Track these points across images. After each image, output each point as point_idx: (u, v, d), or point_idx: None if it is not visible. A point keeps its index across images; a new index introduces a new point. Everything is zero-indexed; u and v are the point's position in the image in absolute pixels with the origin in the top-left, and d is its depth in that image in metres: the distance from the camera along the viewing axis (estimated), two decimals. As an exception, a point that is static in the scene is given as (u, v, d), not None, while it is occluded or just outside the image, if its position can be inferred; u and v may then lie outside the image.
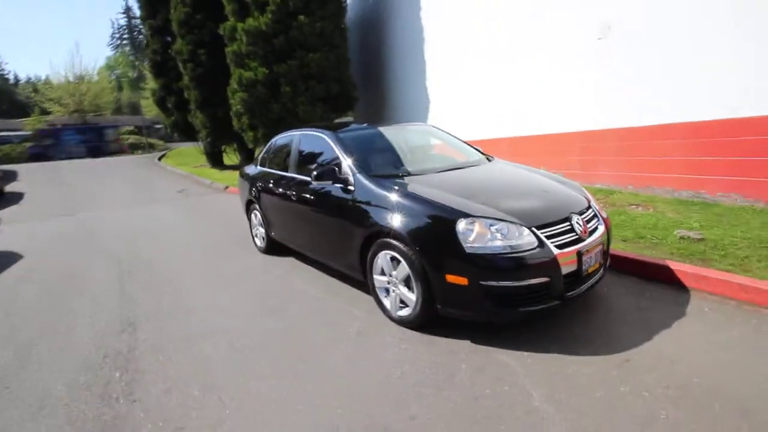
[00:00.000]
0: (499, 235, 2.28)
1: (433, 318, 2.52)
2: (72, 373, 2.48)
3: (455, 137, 4.03)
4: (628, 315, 2.59)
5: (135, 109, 38.86)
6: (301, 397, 2.06)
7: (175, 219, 7.35)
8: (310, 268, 4.05)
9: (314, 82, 11.33)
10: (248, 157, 19.15)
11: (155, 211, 8.33)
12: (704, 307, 2.59)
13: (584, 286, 2.43)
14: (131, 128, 32.94)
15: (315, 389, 2.11)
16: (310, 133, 3.84)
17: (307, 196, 3.54)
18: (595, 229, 2.61)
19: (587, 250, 2.42)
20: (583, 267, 2.39)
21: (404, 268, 2.56)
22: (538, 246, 2.28)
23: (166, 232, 6.36)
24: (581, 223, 2.50)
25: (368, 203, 2.87)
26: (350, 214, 3.00)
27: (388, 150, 3.53)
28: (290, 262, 4.34)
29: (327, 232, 3.34)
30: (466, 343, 2.41)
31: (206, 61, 13.50)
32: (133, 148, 28.70)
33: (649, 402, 1.82)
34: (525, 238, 2.28)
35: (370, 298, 3.10)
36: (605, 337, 2.36)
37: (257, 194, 4.58)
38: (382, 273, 2.80)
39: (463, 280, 2.27)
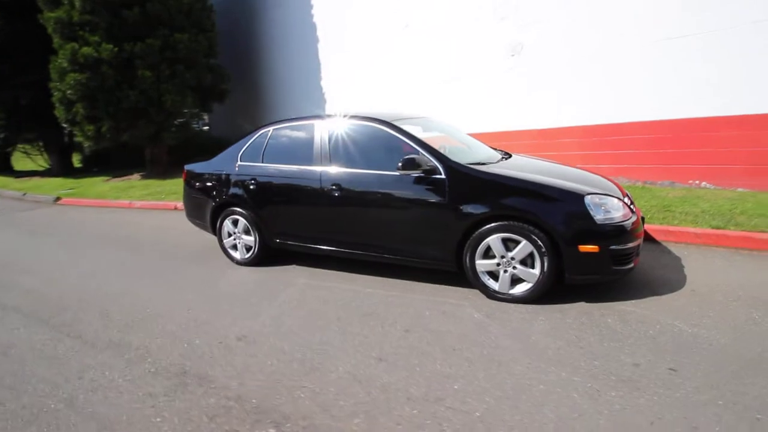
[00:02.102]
0: (611, 208, 2.73)
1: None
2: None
3: (456, 129, 4.31)
4: (653, 264, 3.43)
5: None
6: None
7: (33, 246, 5.26)
8: (331, 272, 3.69)
9: (182, 67, 9.66)
10: (64, 159, 14.76)
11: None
12: (683, 251, 3.68)
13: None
14: None
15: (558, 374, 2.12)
16: (350, 123, 3.46)
17: (365, 190, 3.25)
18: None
19: (638, 219, 3.12)
20: (640, 232, 3.07)
21: (526, 247, 2.73)
22: (632, 214, 2.84)
23: (44, 263, 4.56)
24: (629, 199, 3.19)
25: (471, 190, 2.90)
26: (445, 203, 2.95)
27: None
28: (299, 270, 3.83)
29: (401, 226, 3.16)
30: (583, 305, 2.78)
31: (3, 26, 9.78)
32: None
33: (735, 307, 2.57)
34: (624, 209, 2.80)
35: (453, 288, 3.14)
36: (661, 280, 3.09)
37: (246, 196, 3.83)
38: (486, 257, 2.90)
39: (594, 248, 2.62)
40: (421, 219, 3.08)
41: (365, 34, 8.94)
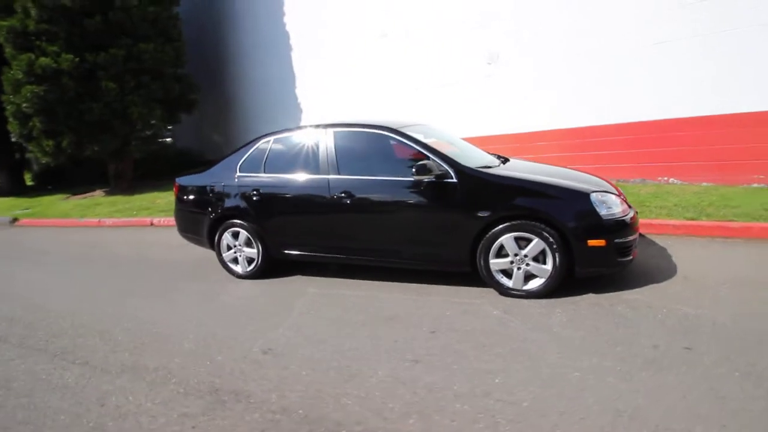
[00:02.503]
0: (612, 204, 2.93)
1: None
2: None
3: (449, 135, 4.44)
4: (643, 255, 3.66)
5: None
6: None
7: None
8: (338, 280, 3.69)
9: (148, 78, 9.32)
10: (14, 177, 13.72)
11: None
12: (666, 241, 3.98)
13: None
14: None
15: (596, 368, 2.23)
16: (357, 131, 3.51)
17: (377, 196, 3.31)
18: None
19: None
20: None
21: (539, 244, 2.87)
22: (630, 209, 3.06)
23: (18, 289, 4.26)
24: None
25: (483, 192, 3.02)
26: (458, 206, 3.06)
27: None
28: (304, 279, 3.80)
29: (415, 231, 3.22)
30: (592, 296, 2.95)
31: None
32: None
33: (727, 289, 2.83)
34: (622, 205, 3.01)
35: (465, 288, 3.24)
36: (654, 269, 3.32)
37: (248, 207, 3.75)
38: (499, 256, 3.02)
39: (601, 242, 2.80)
40: (436, 223, 3.16)
41: (341, 43, 9.01)
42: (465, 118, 7.33)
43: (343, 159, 3.46)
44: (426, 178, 3.08)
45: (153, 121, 9.63)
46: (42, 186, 13.42)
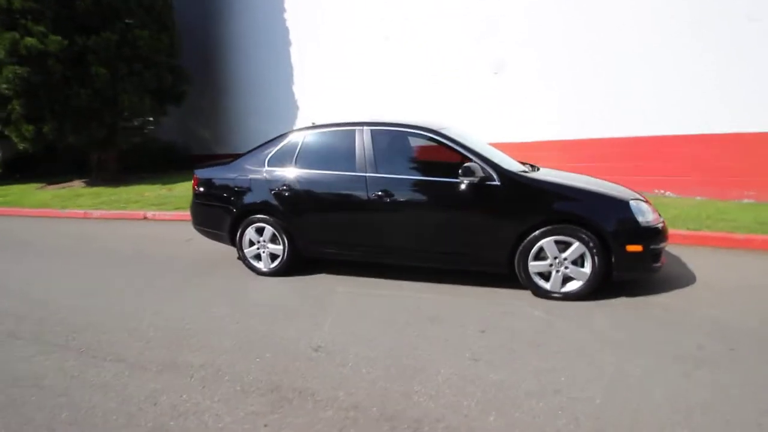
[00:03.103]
0: (646, 211, 3.07)
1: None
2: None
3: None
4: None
5: None
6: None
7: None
8: (365, 279, 3.67)
9: (141, 66, 8.97)
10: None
11: None
12: (676, 250, 4.19)
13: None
14: None
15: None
16: (396, 130, 3.53)
17: (418, 196, 3.34)
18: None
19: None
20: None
21: (579, 248, 2.96)
22: (660, 217, 3.21)
23: (14, 282, 3.98)
24: None
25: (524, 196, 3.10)
26: (501, 208, 3.12)
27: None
28: (331, 278, 3.75)
29: (457, 232, 3.25)
30: (625, 300, 3.06)
31: None
32: None
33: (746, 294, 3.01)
34: (654, 213, 3.15)
35: (496, 289, 3.31)
36: (675, 276, 3.47)
37: (276, 202, 3.67)
38: (537, 258, 3.09)
39: (639, 248, 2.92)
40: (478, 224, 3.20)
41: (343, 42, 8.98)
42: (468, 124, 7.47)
43: (382, 158, 3.44)
44: (470, 180, 3.12)
45: (142, 112, 9.23)
46: (9, 174, 12.56)
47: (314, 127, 3.78)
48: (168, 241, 5.44)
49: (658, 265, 3.09)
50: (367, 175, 3.43)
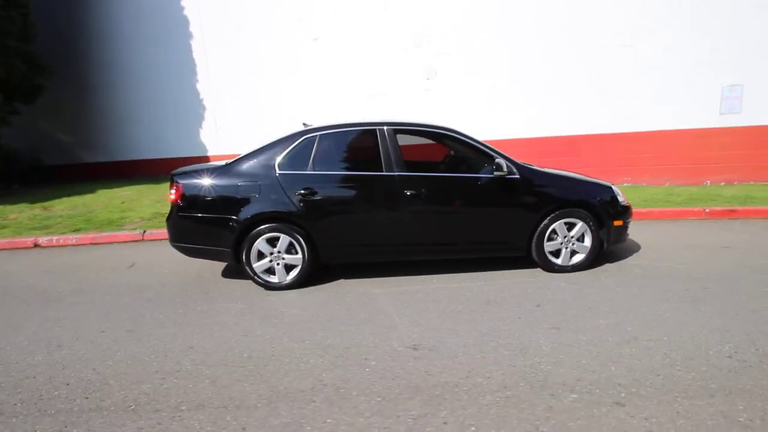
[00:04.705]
0: (620, 193, 3.87)
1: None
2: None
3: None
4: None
5: None
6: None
7: None
8: (386, 279, 3.72)
9: (-17, 51, 6.98)
10: None
11: None
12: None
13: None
14: None
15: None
16: (418, 130, 3.66)
17: (450, 192, 3.54)
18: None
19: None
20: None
21: (582, 227, 3.60)
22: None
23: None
24: None
25: (538, 186, 3.58)
26: (523, 199, 3.56)
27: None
28: (353, 282, 3.70)
29: (487, 222, 3.58)
30: (609, 266, 3.82)
31: None
32: None
33: (701, 251, 4.08)
34: (623, 194, 4.00)
35: (512, 270, 3.76)
36: (633, 243, 4.42)
37: (295, 208, 3.42)
38: (550, 239, 3.62)
39: (620, 222, 3.71)
40: (506, 214, 3.59)
41: (263, 40, 8.46)
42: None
43: (408, 157, 3.53)
44: (499, 175, 3.47)
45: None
46: None
47: (327, 127, 3.62)
48: (104, 269, 4.41)
49: (627, 234, 3.95)
50: (396, 174, 3.48)
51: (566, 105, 7.32)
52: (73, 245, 5.46)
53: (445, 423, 1.90)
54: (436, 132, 3.68)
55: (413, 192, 3.46)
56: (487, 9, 7.37)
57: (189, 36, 8.91)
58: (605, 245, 3.73)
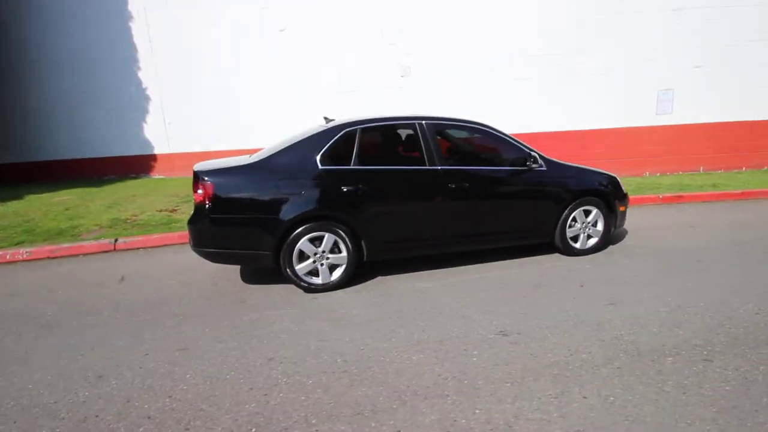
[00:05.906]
0: (621, 182, 4.33)
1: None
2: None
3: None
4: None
5: None
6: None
7: None
8: (420, 273, 3.74)
9: None
10: None
11: None
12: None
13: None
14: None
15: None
16: (455, 124, 3.72)
17: (492, 185, 3.70)
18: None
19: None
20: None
21: (596, 214, 3.97)
22: (623, 189, 4.57)
23: None
24: None
25: (562, 177, 3.88)
26: (551, 189, 3.82)
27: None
28: (392, 279, 3.67)
29: (524, 212, 3.80)
30: (613, 247, 4.27)
31: None
32: None
33: (692, 230, 4.71)
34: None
35: (537, 257, 4.02)
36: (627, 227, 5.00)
37: (341, 204, 3.28)
38: (571, 226, 3.95)
39: (623, 208, 4.17)
40: (539, 204, 3.84)
41: (217, 21, 7.82)
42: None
43: (448, 151, 3.59)
44: (533, 167, 3.69)
45: None
46: None
47: (365, 121, 3.50)
48: (88, 285, 3.77)
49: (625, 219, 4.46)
50: (440, 168, 3.52)
51: (526, 106, 7.95)
52: (24, 260, 4.57)
53: (584, 397, 2.02)
54: (472, 127, 3.79)
55: (456, 185, 3.53)
56: (454, 12, 7.69)
57: (128, 17, 7.89)
58: (613, 229, 4.17)
